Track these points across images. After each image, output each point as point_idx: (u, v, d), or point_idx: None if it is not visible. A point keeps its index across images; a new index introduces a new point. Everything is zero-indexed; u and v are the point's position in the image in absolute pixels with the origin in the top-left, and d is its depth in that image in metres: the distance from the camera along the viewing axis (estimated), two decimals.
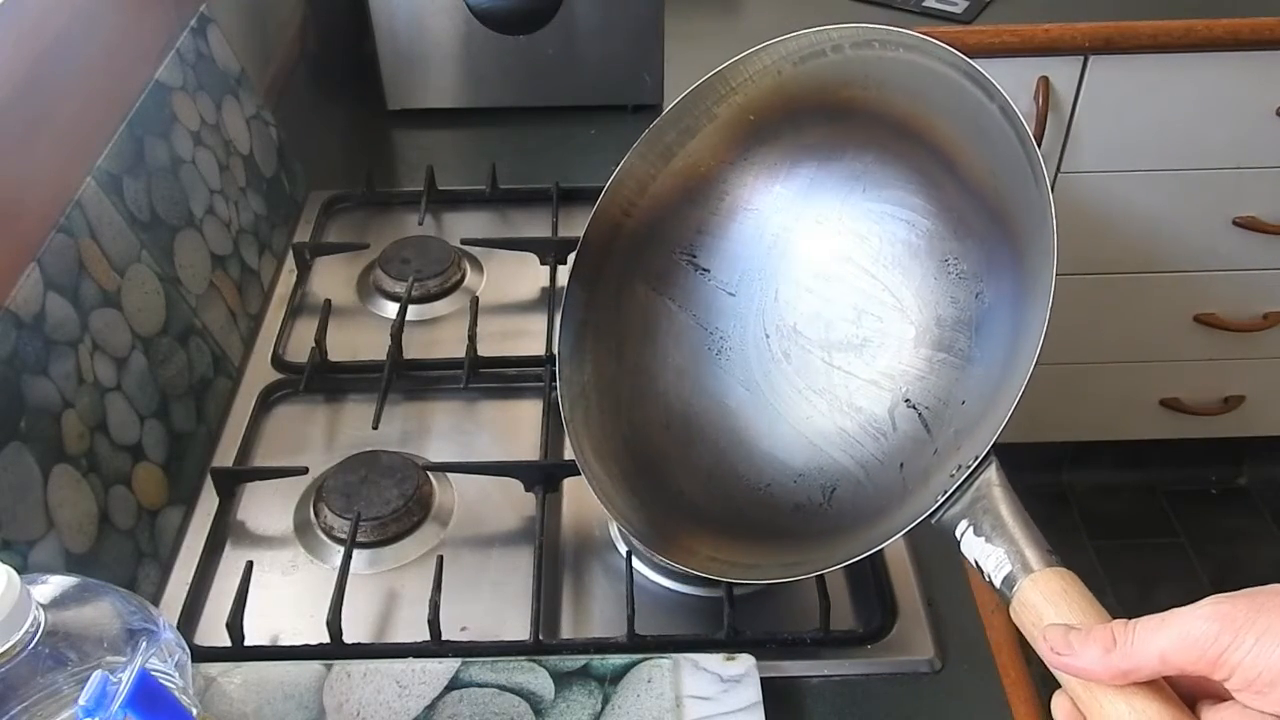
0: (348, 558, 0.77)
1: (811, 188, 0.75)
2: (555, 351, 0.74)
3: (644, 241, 0.76)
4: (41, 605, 0.49)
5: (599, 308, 0.76)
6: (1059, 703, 0.48)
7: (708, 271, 0.77)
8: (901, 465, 0.67)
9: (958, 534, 0.55)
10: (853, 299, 0.73)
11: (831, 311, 0.74)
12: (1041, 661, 0.48)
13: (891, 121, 0.70)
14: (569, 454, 0.88)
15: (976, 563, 0.54)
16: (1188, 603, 0.43)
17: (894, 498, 0.64)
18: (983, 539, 0.54)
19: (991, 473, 0.55)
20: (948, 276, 0.69)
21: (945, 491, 0.56)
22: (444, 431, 0.92)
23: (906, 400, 0.69)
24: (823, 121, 0.73)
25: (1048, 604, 0.50)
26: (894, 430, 0.69)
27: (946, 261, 0.69)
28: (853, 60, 0.70)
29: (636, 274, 0.77)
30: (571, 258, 0.77)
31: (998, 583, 0.52)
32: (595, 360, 0.75)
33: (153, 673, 0.49)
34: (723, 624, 0.73)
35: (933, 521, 0.57)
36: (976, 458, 0.55)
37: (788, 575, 0.65)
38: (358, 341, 0.99)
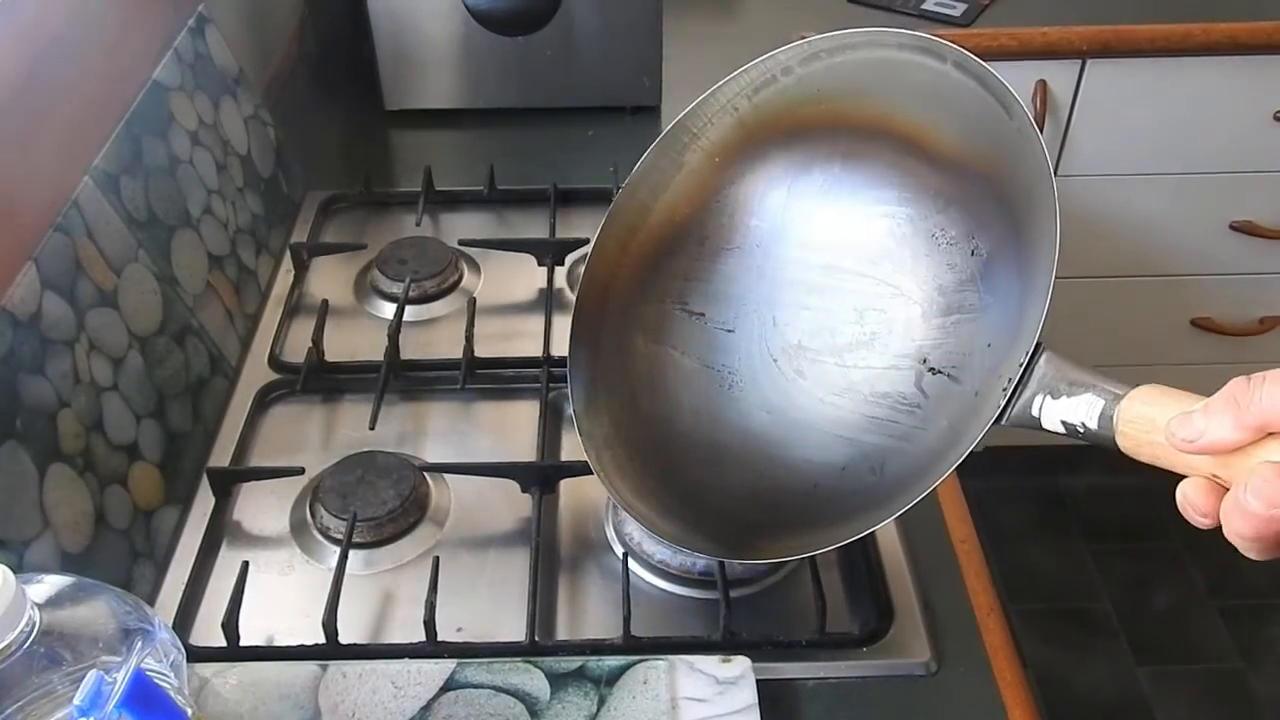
0: (344, 558, 0.77)
1: (786, 213, 0.76)
2: (571, 411, 0.74)
3: (635, 298, 0.77)
4: (37, 604, 0.49)
5: (604, 365, 0.76)
6: (1186, 491, 0.47)
7: (702, 315, 0.77)
8: (946, 421, 0.67)
9: (1035, 413, 0.55)
10: (851, 301, 0.74)
11: (833, 320, 0.74)
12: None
13: (850, 126, 0.71)
14: (566, 455, 0.88)
15: (1064, 423, 0.54)
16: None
17: (947, 444, 0.64)
18: (1064, 397, 0.54)
19: (1046, 355, 0.56)
20: (939, 249, 0.70)
21: (1006, 392, 0.56)
22: (441, 432, 0.92)
23: (931, 369, 0.69)
24: (785, 146, 0.75)
25: (1154, 407, 0.49)
26: (926, 399, 0.69)
27: (934, 236, 0.70)
28: (804, 78, 0.71)
29: (634, 329, 0.77)
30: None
31: (1095, 423, 0.52)
32: (611, 413, 0.75)
33: (148, 673, 0.49)
34: (719, 626, 0.73)
35: (1003, 421, 0.57)
36: (1027, 353, 0.56)
37: (858, 534, 0.64)
38: (355, 342, 0.99)
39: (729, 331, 0.77)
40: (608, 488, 0.72)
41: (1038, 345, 0.56)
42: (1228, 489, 0.46)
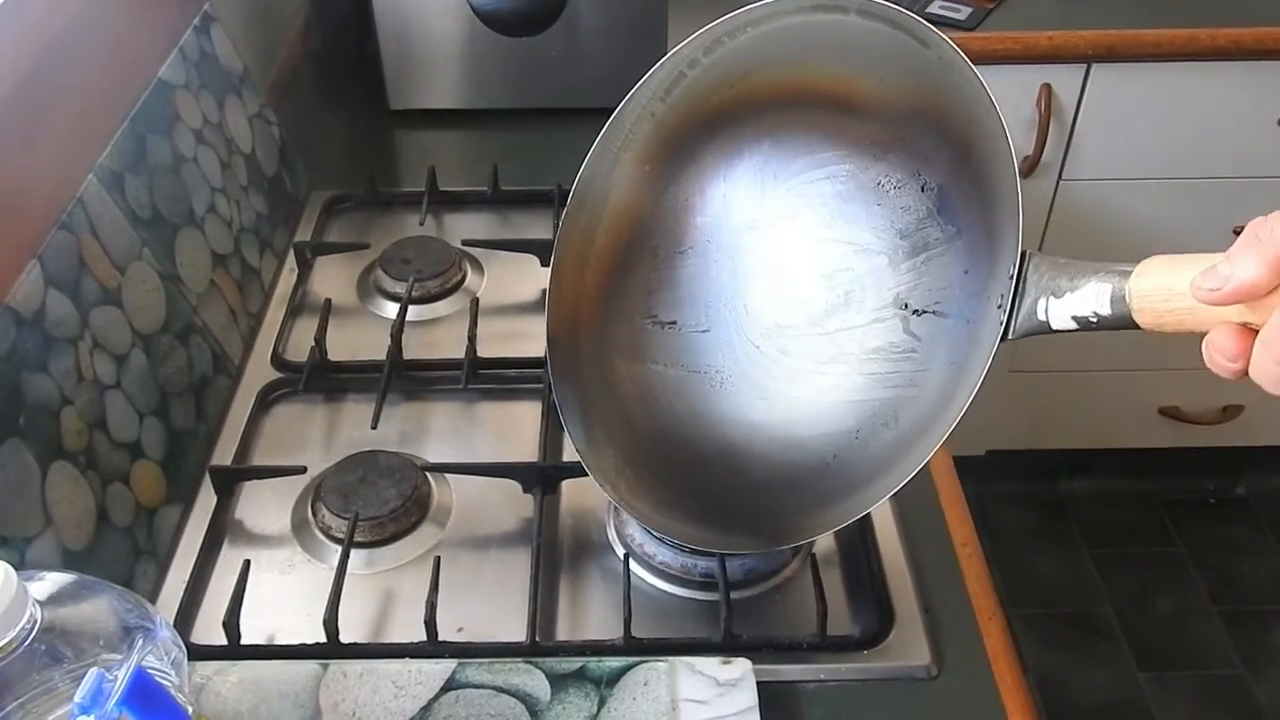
0: (345, 557, 0.77)
1: (728, 202, 0.76)
2: (575, 449, 0.73)
3: (604, 323, 0.77)
4: (38, 601, 0.49)
5: (591, 397, 0.75)
6: (1214, 338, 0.46)
7: (674, 323, 0.77)
8: (946, 357, 0.67)
9: (1042, 316, 0.55)
10: (816, 269, 0.74)
11: (803, 292, 0.74)
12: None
13: (769, 101, 0.71)
14: (568, 456, 0.88)
15: (1075, 317, 0.53)
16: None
17: (955, 379, 0.64)
18: (1067, 294, 0.53)
19: (1034, 260, 0.55)
20: (888, 195, 0.70)
21: (1004, 309, 0.55)
22: (443, 432, 0.92)
23: (914, 311, 0.69)
24: (710, 138, 0.75)
25: (1166, 275, 0.48)
26: (919, 341, 0.69)
27: (879, 184, 0.71)
28: (711, 67, 0.71)
29: (611, 354, 0.77)
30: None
31: (1108, 308, 0.51)
32: (612, 442, 0.75)
33: (149, 671, 0.49)
34: (719, 628, 0.73)
35: (1010, 335, 0.56)
36: (1014, 263, 0.55)
37: (902, 481, 0.62)
38: (357, 341, 0.99)
39: (704, 332, 0.77)
40: (632, 514, 0.72)
41: (1023, 253, 0.55)
42: (1258, 331, 0.45)
